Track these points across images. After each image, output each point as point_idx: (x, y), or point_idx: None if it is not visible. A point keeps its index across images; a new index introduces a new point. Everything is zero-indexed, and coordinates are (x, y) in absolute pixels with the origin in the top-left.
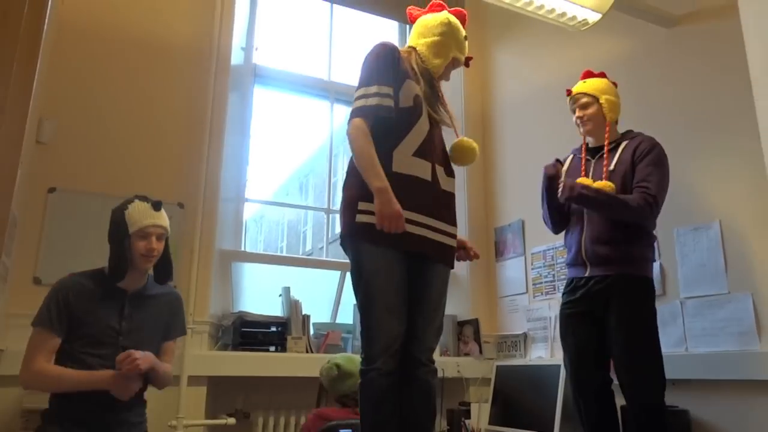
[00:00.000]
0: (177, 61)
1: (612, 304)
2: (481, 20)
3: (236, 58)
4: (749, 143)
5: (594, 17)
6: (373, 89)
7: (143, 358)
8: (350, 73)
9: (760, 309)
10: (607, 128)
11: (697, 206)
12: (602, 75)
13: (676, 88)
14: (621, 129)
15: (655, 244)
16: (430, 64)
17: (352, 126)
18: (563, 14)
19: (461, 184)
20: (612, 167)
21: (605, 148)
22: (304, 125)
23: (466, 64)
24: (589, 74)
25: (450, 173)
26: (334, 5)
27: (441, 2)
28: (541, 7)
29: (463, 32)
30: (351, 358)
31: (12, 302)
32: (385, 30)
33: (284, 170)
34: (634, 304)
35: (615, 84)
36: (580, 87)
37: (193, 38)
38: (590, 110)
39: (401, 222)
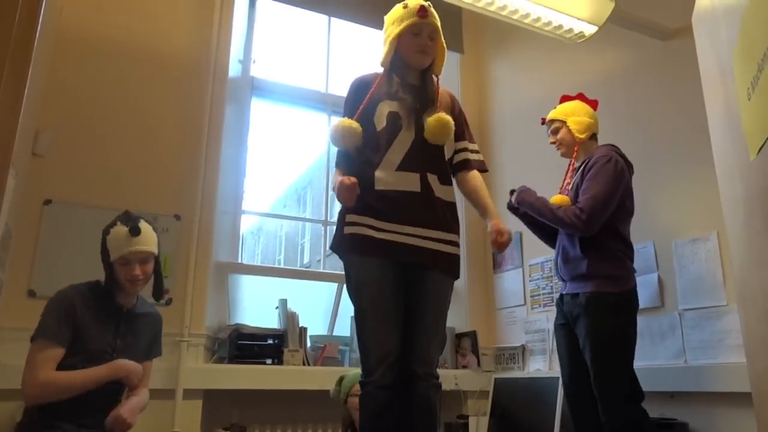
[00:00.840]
0: (174, 73)
1: (579, 321)
2: (478, 32)
3: (234, 70)
4: None
5: (590, 30)
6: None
7: (130, 412)
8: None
9: None
10: (576, 148)
11: (694, 218)
12: (579, 97)
13: (672, 100)
14: (615, 140)
15: (629, 261)
16: (387, 64)
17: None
18: (560, 27)
19: (459, 195)
20: (570, 183)
21: (571, 167)
22: (302, 137)
23: (420, 14)
24: (565, 98)
25: (445, 181)
26: (332, 18)
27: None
28: (538, 19)
29: (399, 6)
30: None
31: (6, 315)
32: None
33: (282, 182)
34: (596, 321)
35: (595, 102)
36: (551, 114)
37: (190, 51)
38: (560, 134)
39: (351, 193)
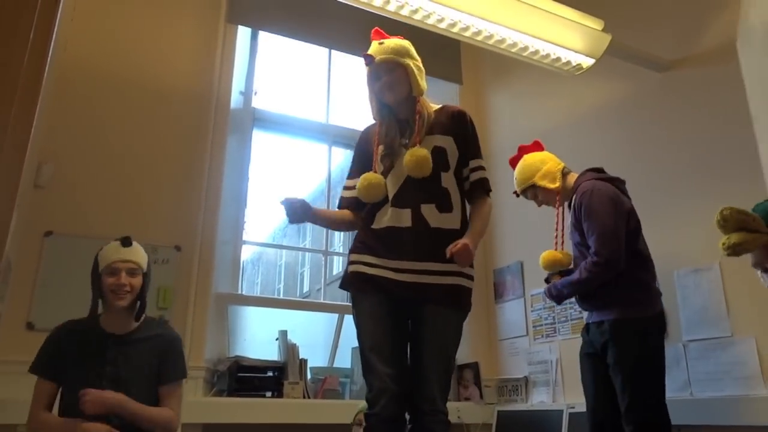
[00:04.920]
0: (176, 105)
1: (608, 349)
2: (476, 64)
3: (235, 102)
4: (745, 185)
5: (588, 62)
6: (345, 183)
7: (92, 401)
8: (348, 117)
9: (763, 352)
10: (558, 197)
11: (695, 248)
12: (535, 145)
13: (669, 132)
14: (613, 170)
15: (652, 282)
16: (377, 116)
17: None
18: (557, 59)
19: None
20: (564, 231)
21: (560, 216)
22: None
23: (366, 63)
24: (522, 150)
25: (445, 208)
26: (332, 50)
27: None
28: (536, 52)
29: (373, 46)
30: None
31: (3, 348)
32: None
33: (282, 212)
34: (624, 349)
35: (537, 144)
36: (517, 185)
37: (192, 83)
38: (540, 197)
39: (293, 207)
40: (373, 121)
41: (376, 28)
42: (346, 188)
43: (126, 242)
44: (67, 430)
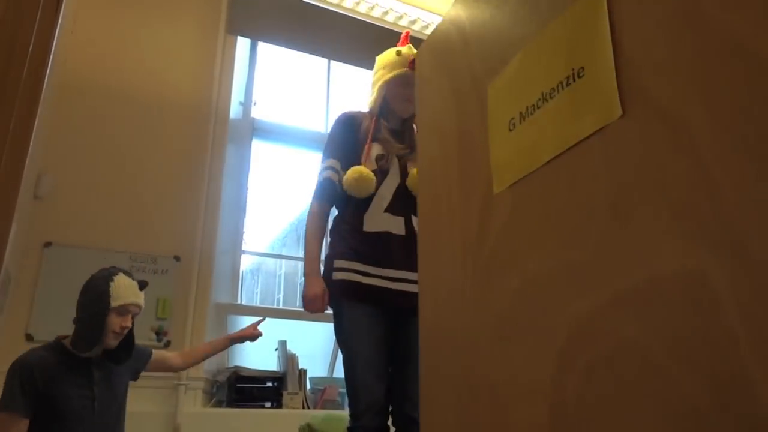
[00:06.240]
0: (175, 116)
1: None
2: None
3: (235, 112)
4: None
5: None
6: (323, 164)
7: None
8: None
9: None
10: None
11: None
12: None
13: None
14: None
15: None
16: (375, 109)
17: (309, 209)
18: None
19: None
20: None
21: None
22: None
23: (411, 66)
24: None
25: None
26: (331, 61)
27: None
28: None
29: (393, 52)
30: (331, 418)
31: (2, 359)
32: None
33: (282, 222)
34: None
35: None
36: None
37: (192, 93)
38: None
39: (318, 303)
40: (353, 109)
41: (407, 31)
42: (332, 169)
43: (143, 285)
44: None
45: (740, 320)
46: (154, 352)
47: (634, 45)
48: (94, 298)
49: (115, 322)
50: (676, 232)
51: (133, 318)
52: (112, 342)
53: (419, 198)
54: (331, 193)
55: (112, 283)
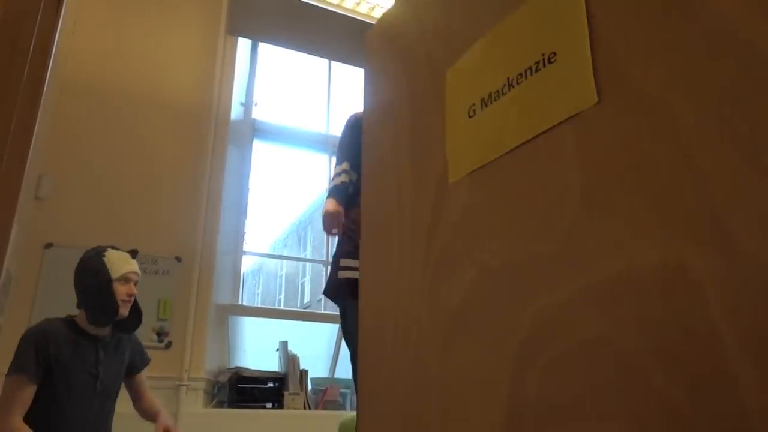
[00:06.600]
0: (177, 117)
1: None
2: None
3: (236, 113)
4: None
5: None
6: (339, 168)
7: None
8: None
9: None
10: None
11: None
12: None
13: None
14: None
15: None
16: None
17: (325, 205)
18: None
19: None
20: None
21: None
22: (303, 178)
23: None
24: None
25: None
26: (332, 62)
27: None
28: None
29: None
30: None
31: (4, 359)
32: None
33: (283, 222)
34: None
35: None
36: None
37: (193, 94)
38: None
39: (335, 220)
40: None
41: None
42: (345, 173)
43: (134, 254)
44: None
45: (723, 315)
46: (141, 374)
47: (612, 29)
48: (93, 275)
49: (121, 291)
50: (656, 222)
51: (136, 284)
52: (124, 311)
53: (363, 191)
54: (344, 196)
55: (105, 259)
